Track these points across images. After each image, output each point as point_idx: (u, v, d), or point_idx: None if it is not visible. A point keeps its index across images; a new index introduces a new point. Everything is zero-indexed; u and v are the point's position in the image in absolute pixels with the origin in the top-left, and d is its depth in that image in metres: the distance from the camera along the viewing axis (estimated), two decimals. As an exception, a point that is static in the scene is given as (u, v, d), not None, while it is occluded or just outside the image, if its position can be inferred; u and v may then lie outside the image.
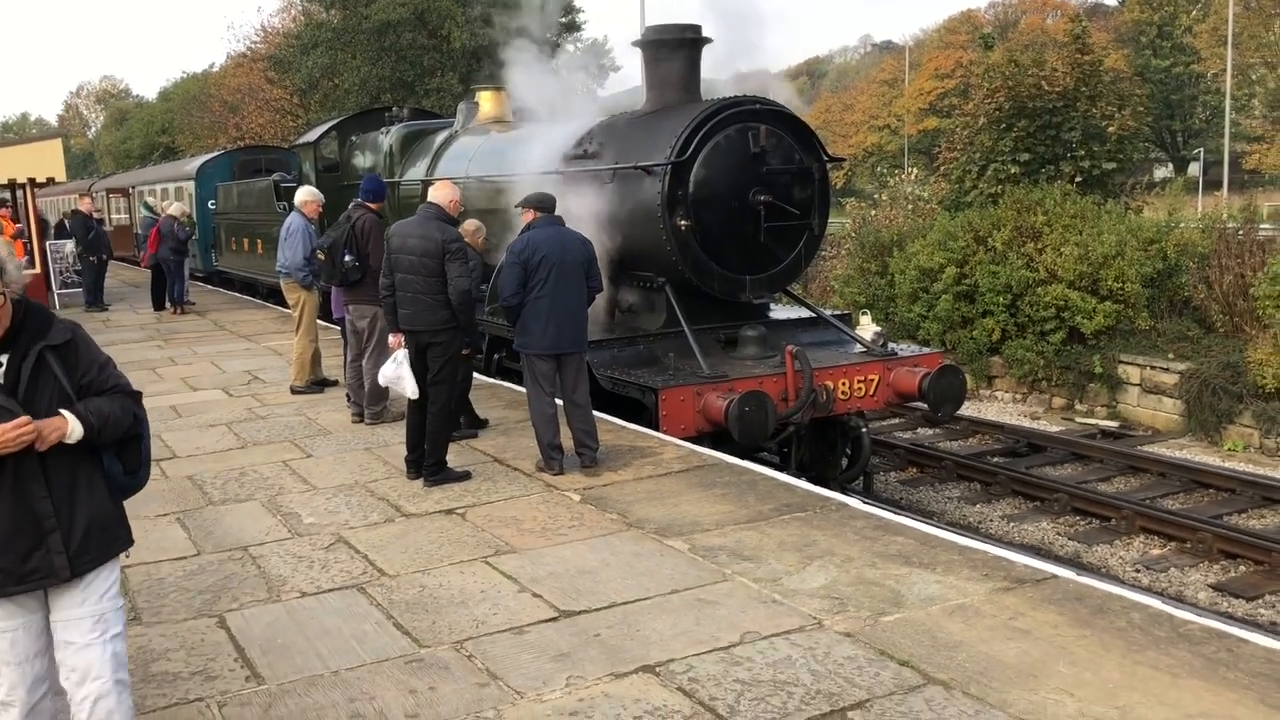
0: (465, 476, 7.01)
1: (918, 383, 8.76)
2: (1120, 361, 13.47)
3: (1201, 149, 51.31)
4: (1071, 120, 16.72)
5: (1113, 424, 13.25)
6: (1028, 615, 4.57)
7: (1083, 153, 16.67)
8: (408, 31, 34.33)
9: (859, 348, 9.37)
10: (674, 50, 9.48)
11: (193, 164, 24.91)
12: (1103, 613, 4.56)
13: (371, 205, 8.57)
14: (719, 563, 5.35)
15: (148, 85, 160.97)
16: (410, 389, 6.85)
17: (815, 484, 8.22)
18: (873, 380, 8.87)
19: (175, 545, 5.98)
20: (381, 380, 7.20)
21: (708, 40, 9.57)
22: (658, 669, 4.23)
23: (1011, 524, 9.80)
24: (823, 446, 9.32)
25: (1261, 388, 11.98)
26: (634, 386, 8.39)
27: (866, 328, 9.80)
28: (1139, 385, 13.37)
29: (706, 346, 8.76)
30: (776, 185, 8.95)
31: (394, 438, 8.07)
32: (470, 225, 8.46)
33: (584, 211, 9.39)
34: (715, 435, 8.09)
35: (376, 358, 8.21)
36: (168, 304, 17.81)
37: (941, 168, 19.14)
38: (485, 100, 13.46)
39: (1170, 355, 13.08)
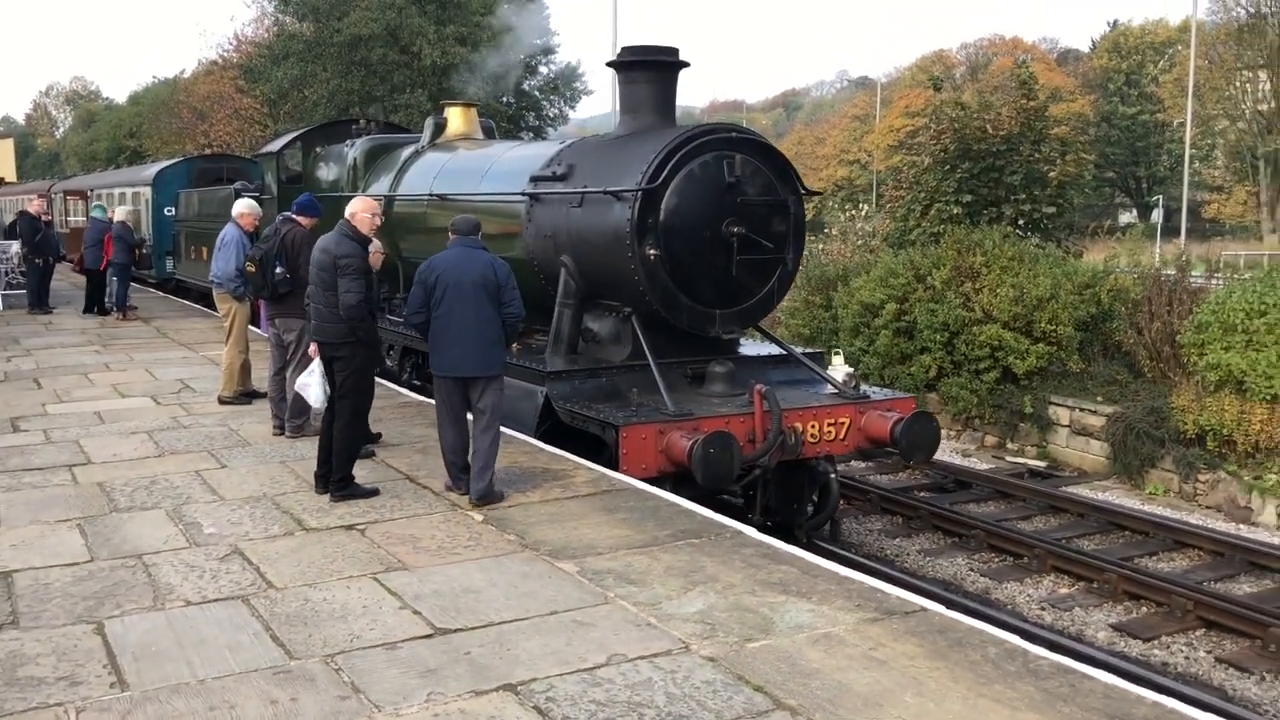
0: (373, 493, 7.07)
1: (890, 428, 8.46)
2: (1051, 402, 13.70)
3: (1161, 196, 52.20)
4: (1014, 164, 17.07)
5: (1041, 463, 13.47)
6: (888, 646, 4.69)
7: (1024, 196, 17.03)
8: (379, 47, 34.50)
9: (829, 389, 9.06)
10: (649, 72, 9.21)
11: (150, 170, 24.87)
12: (961, 646, 4.69)
13: (301, 220, 8.63)
14: (604, 585, 5.44)
15: (118, 88, 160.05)
16: (313, 398, 6.95)
17: (779, 530, 8.05)
18: (843, 424, 8.56)
19: (69, 551, 6.00)
20: (296, 386, 7.28)
21: (685, 64, 9.27)
22: (519, 688, 4.30)
23: (927, 558, 9.94)
24: (788, 491, 9.05)
25: (1183, 433, 12.22)
26: (594, 422, 8.06)
27: (838, 369, 9.49)
28: (1068, 426, 13.60)
29: (673, 382, 8.46)
30: (751, 217, 8.68)
31: (311, 452, 8.04)
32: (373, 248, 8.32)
33: (550, 235, 9.25)
34: (677, 477, 7.77)
35: (301, 371, 8.26)
36: (113, 309, 17.74)
37: (887, 205, 19.47)
38: (454, 116, 13.30)
39: (1099, 398, 13.32)
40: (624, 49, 9.30)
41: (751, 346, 9.88)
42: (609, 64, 9.50)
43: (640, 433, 7.72)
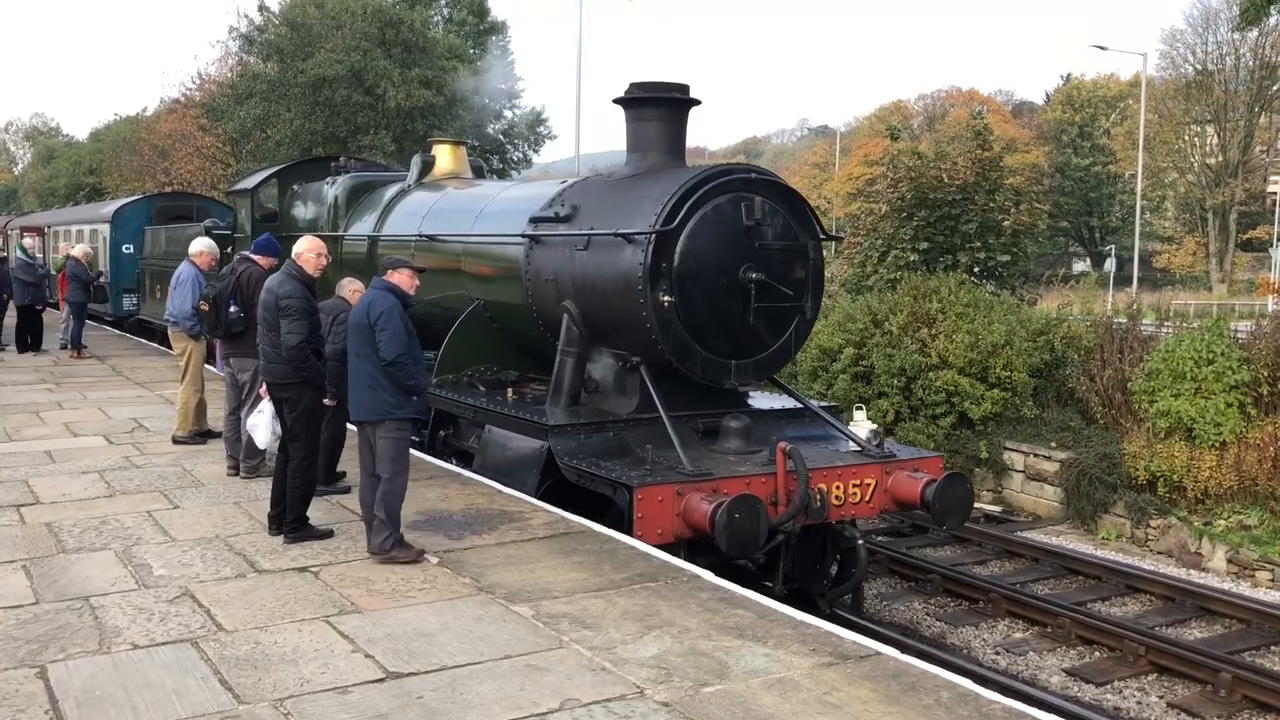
0: (327, 534, 7.00)
1: (920, 490, 7.87)
2: (1006, 448, 13.86)
3: (1113, 246, 53.22)
4: (970, 213, 17.38)
5: (996, 508, 13.60)
6: (842, 690, 4.70)
7: (979, 244, 17.32)
8: (343, 88, 34.56)
9: (850, 446, 8.45)
10: (659, 110, 8.78)
11: (109, 207, 24.67)
12: (915, 690, 4.71)
13: (259, 260, 8.59)
14: (559, 629, 5.41)
15: (79, 125, 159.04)
16: (260, 438, 6.91)
17: (797, 599, 7.43)
18: (869, 485, 7.94)
19: (13, 593, 5.88)
20: (246, 426, 7.22)
21: (696, 102, 8.83)
22: (471, 732, 4.27)
23: (884, 603, 9.97)
24: (806, 556, 8.38)
25: (1135, 479, 12.40)
26: (604, 481, 7.46)
27: (861, 425, 8.86)
28: (1023, 472, 13.75)
29: (684, 437, 7.86)
30: (770, 262, 8.20)
31: (266, 492, 7.96)
32: (349, 285, 8.32)
33: (552, 279, 8.81)
34: (693, 543, 7.23)
35: (253, 411, 8.20)
36: (67, 346, 17.51)
37: (845, 251, 19.74)
38: (442, 154, 12.88)
39: (1052, 444, 13.50)
40: (632, 85, 8.84)
41: (762, 399, 9.30)
42: (616, 101, 8.93)
43: (656, 494, 7.13)
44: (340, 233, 12.86)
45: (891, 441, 9.53)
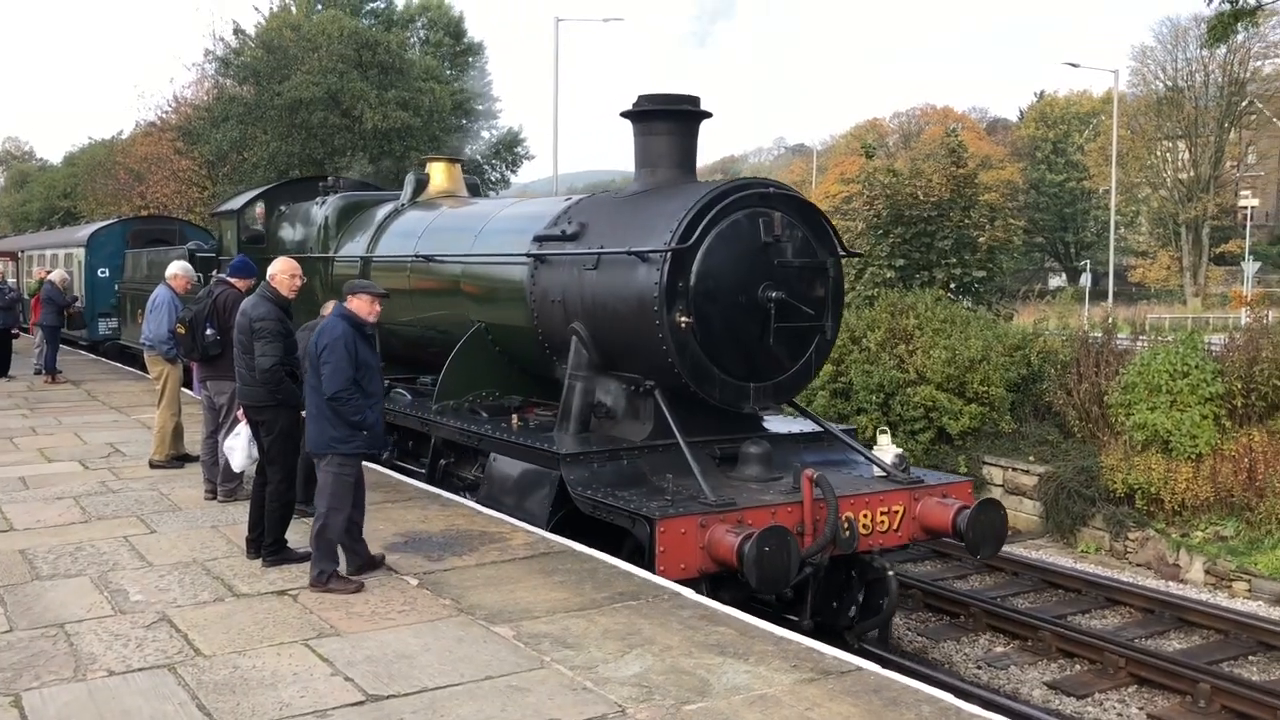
0: (306, 557, 6.91)
1: (952, 517, 7.52)
2: (984, 462, 13.94)
3: (1088, 261, 53.67)
4: (945, 229, 17.53)
5: (976, 523, 13.63)
6: (824, 706, 4.70)
7: (955, 260, 17.47)
8: (320, 110, 34.53)
9: (875, 471, 8.09)
10: (669, 123, 8.47)
11: (84, 231, 24.54)
12: (896, 705, 4.72)
13: (236, 283, 8.56)
14: (540, 650, 5.39)
15: (53, 149, 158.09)
16: (236, 461, 6.87)
17: (819, 632, 7.06)
18: (897, 512, 7.58)
19: (-13, 621, 5.82)
20: (222, 449, 7.18)
21: (707, 114, 8.53)
22: (452, 755, 4.24)
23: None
24: (829, 589, 7.94)
25: (1113, 492, 12.49)
26: (622, 514, 7.08)
27: (886, 449, 8.50)
28: (1002, 486, 13.82)
29: (703, 464, 7.47)
30: (789, 280, 7.86)
31: (244, 516, 7.90)
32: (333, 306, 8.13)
33: (559, 300, 8.52)
34: (715, 578, 6.88)
35: (230, 433, 8.15)
36: (42, 371, 17.38)
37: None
38: (436, 172, 12.57)
39: (1031, 458, 13.58)
40: (641, 97, 8.51)
41: (776, 421, 8.90)
42: (624, 114, 8.60)
43: (679, 526, 6.76)
44: (331, 254, 12.56)
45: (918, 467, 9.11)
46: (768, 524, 6.72)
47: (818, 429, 8.72)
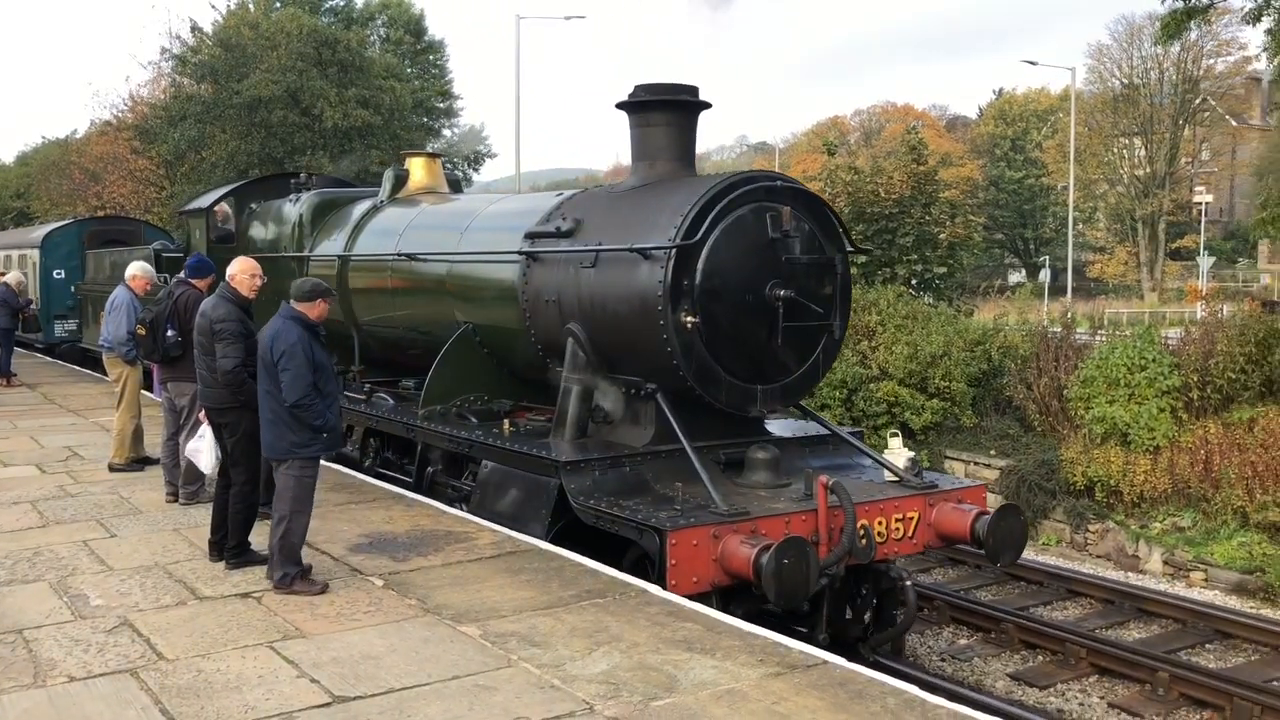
0: (268, 560, 6.90)
1: (970, 524, 7.25)
2: (946, 457, 14.07)
3: (1047, 257, 54.31)
4: (906, 226, 17.68)
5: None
6: (791, 700, 4.73)
7: (916, 257, 17.63)
8: (279, 108, 34.20)
9: (886, 476, 7.78)
10: (668, 114, 8.11)
11: (39, 232, 24.15)
12: (861, 697, 4.76)
13: (196, 283, 8.47)
14: (507, 649, 5.39)
15: (4, 149, 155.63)
16: (204, 464, 6.80)
17: (834, 644, 6.93)
18: (912, 519, 7.30)
19: (-56, 628, 5.73)
20: (186, 452, 7.11)
21: (706, 105, 8.22)
22: (420, 755, 4.23)
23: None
24: (839, 599, 7.53)
25: (1073, 485, 12.66)
26: (629, 525, 6.75)
27: (898, 453, 7.99)
28: (964, 479, 13.94)
29: (709, 471, 7.15)
30: (797, 278, 7.52)
31: (206, 518, 7.83)
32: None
33: (554, 300, 8.22)
34: (728, 591, 6.58)
35: (192, 436, 8.07)
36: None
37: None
38: (416, 167, 12.13)
39: (992, 452, 13.73)
40: (638, 87, 8.16)
41: (779, 425, 8.55)
42: (619, 105, 8.24)
43: (691, 538, 6.42)
44: (306, 253, 12.16)
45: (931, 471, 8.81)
46: (783, 534, 6.47)
47: (823, 432, 8.45)
